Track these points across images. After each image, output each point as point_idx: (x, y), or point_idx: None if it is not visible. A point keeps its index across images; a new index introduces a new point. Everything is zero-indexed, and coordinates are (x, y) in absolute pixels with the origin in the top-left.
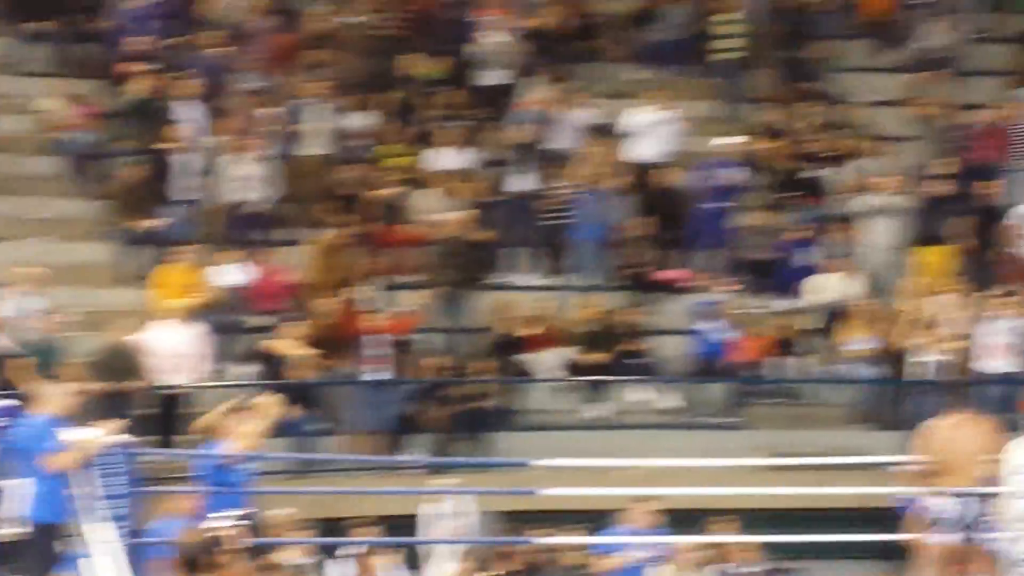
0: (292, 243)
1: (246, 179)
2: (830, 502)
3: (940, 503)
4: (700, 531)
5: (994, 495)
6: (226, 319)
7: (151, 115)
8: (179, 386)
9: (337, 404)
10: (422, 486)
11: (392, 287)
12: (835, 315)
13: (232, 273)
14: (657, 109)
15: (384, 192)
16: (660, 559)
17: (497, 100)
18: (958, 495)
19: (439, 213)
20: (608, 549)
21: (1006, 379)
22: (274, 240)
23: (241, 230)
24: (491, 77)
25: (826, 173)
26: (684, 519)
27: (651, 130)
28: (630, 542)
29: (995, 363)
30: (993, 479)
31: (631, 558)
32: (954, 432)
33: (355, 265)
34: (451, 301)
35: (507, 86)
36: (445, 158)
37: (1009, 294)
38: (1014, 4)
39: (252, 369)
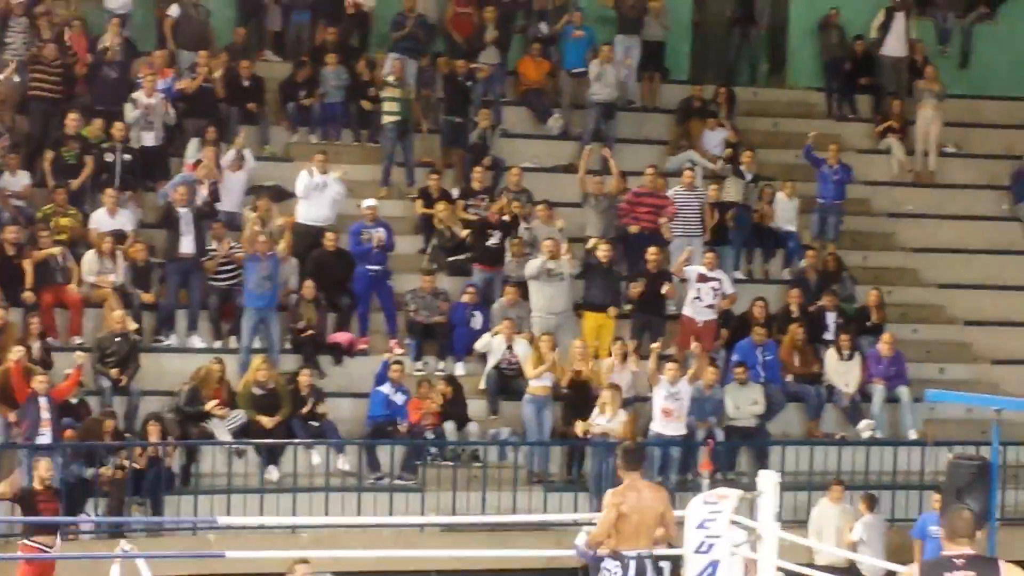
0: None
1: None
2: (507, 563)
3: (616, 565)
4: None
5: (676, 556)
6: None
7: None
8: None
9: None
10: (98, 551)
11: (55, 349)
12: (506, 377)
13: None
14: (319, 172)
15: (45, 253)
16: None
17: (156, 162)
18: (638, 557)
19: (101, 274)
20: None
21: (679, 442)
22: None
23: None
24: (148, 138)
25: (494, 238)
26: None
27: (314, 193)
28: None
29: (668, 425)
30: (668, 542)
31: None
32: (633, 495)
33: (14, 328)
34: (124, 362)
35: (164, 147)
36: (106, 219)
37: (678, 359)
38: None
39: None
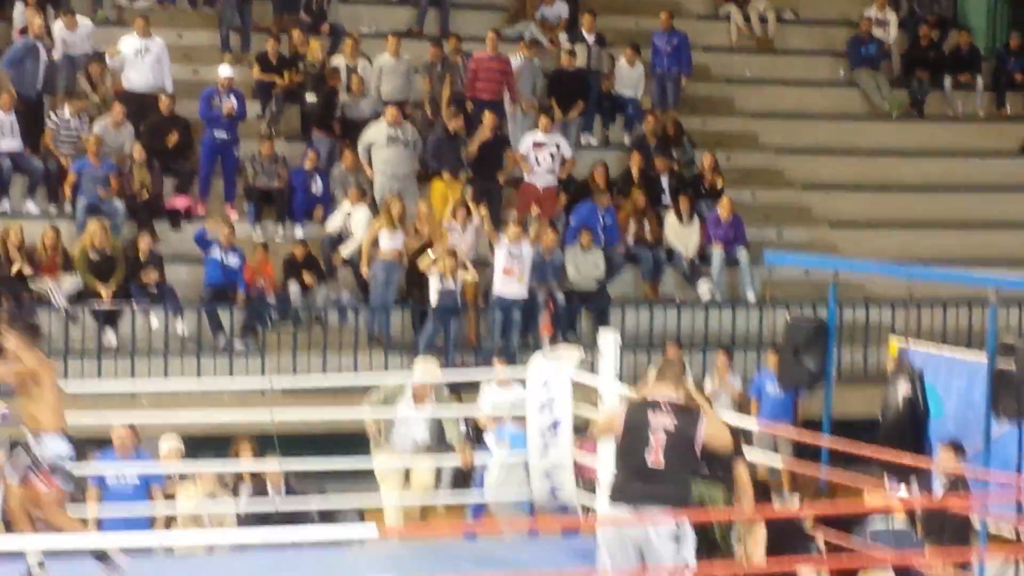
0: None
1: None
2: (348, 426)
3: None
4: (218, 456)
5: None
6: None
7: None
8: None
9: None
10: None
11: None
12: (340, 242)
13: None
14: (141, 36)
15: None
16: (159, 481)
17: None
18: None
19: None
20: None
21: (521, 304)
22: None
23: None
24: None
25: (335, 102)
26: (202, 444)
27: (147, 58)
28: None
29: (510, 285)
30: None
31: (124, 483)
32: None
33: None
34: None
35: None
36: None
37: (520, 222)
38: None
39: None
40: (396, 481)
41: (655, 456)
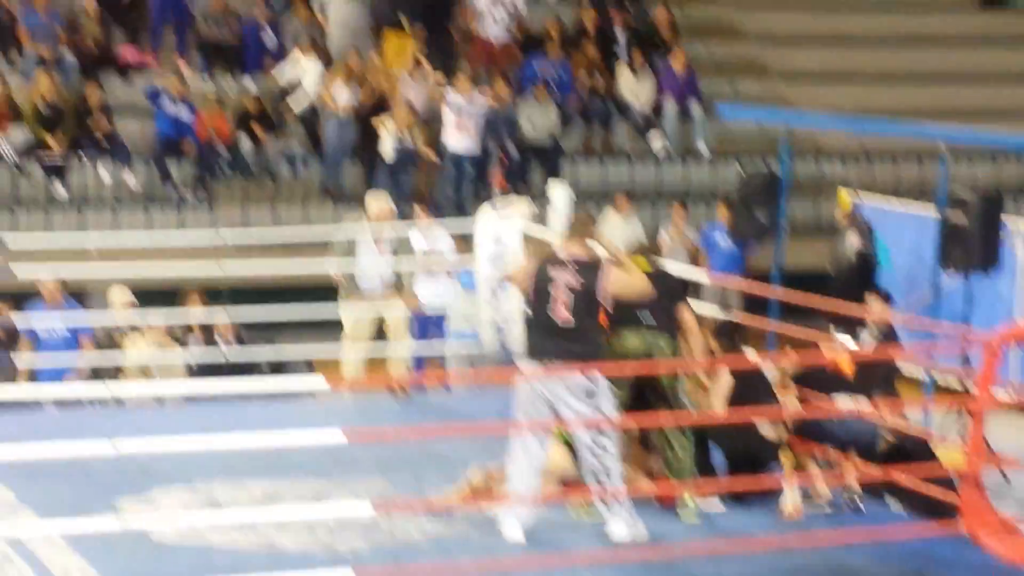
0: None
1: None
2: (299, 279)
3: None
4: (170, 308)
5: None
6: None
7: None
8: None
9: None
10: None
11: None
12: (288, 94)
13: None
14: None
15: None
16: (89, 332)
17: None
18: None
19: None
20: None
21: (473, 158)
22: None
23: None
24: None
25: None
26: (153, 297)
27: None
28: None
29: (461, 140)
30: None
31: (55, 335)
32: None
33: None
34: None
35: None
36: None
37: (472, 76)
38: None
39: None
40: (364, 331)
41: (562, 313)
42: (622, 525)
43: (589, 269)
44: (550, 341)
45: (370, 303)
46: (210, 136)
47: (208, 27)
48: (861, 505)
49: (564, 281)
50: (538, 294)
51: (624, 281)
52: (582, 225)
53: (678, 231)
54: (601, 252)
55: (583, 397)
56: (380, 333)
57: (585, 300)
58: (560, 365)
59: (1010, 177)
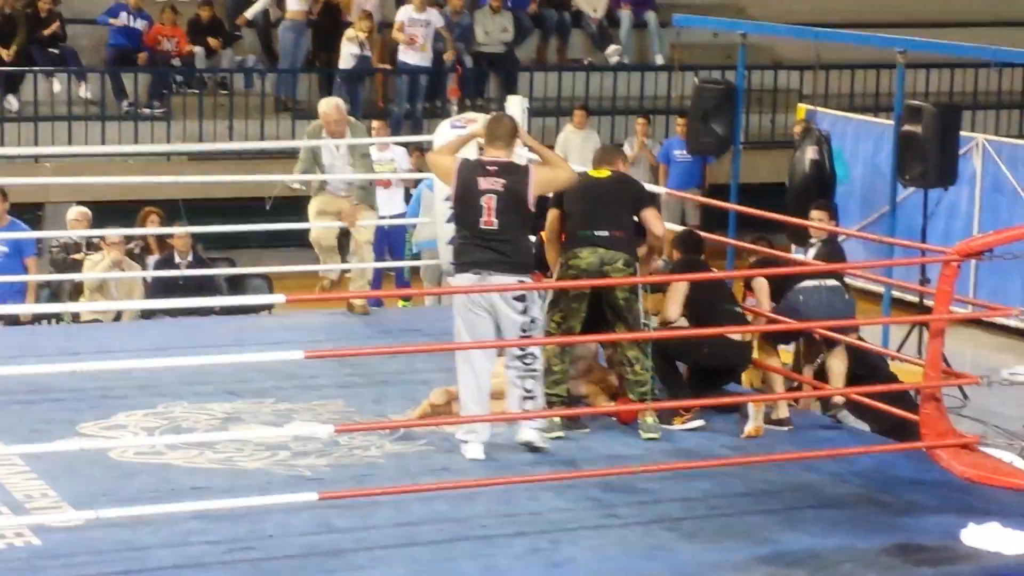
0: None
1: None
2: (253, 190)
3: None
4: (124, 224)
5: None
6: None
7: None
8: None
9: None
10: None
11: None
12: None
13: None
14: None
15: None
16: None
17: None
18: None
19: None
20: None
21: (426, 69)
22: None
23: None
24: None
25: None
26: (108, 212)
27: None
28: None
29: (415, 53)
30: None
31: None
32: None
33: None
34: None
35: None
36: None
37: None
38: None
39: None
40: (332, 240)
41: (488, 218)
42: (534, 433)
43: (513, 172)
44: (480, 248)
45: (336, 213)
46: (163, 46)
47: None
48: (841, 420)
49: (489, 186)
50: (464, 202)
51: (547, 176)
52: (501, 127)
53: (641, 144)
54: (524, 154)
55: (515, 303)
56: (343, 248)
57: (512, 203)
58: (492, 271)
59: (968, 88)
